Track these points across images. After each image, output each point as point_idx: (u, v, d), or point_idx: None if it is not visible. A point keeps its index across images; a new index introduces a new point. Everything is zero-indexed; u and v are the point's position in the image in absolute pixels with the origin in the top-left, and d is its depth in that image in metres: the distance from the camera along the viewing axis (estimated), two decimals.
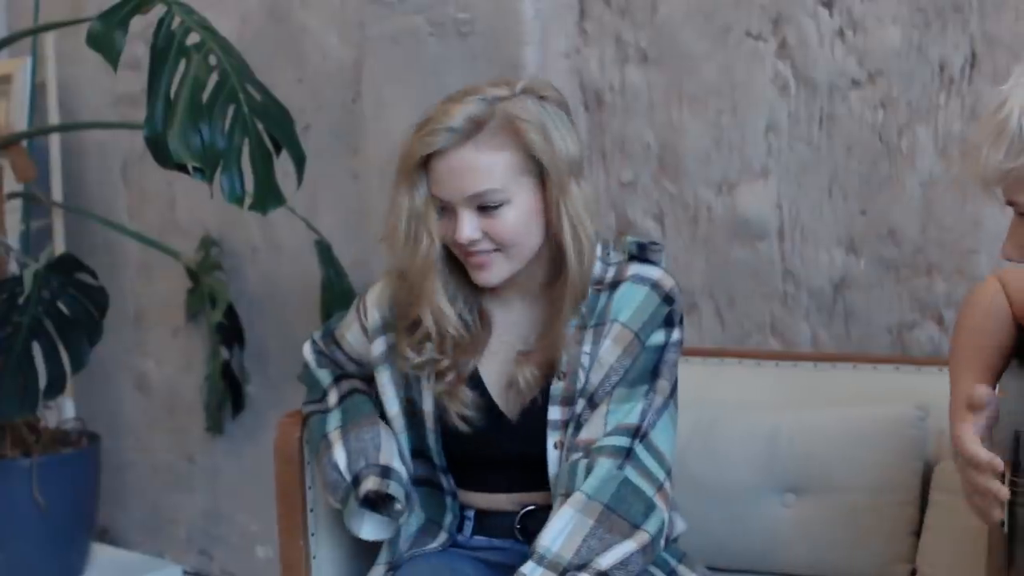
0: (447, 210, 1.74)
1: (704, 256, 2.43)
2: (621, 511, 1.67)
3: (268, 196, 2.24)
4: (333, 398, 1.91)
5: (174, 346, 3.22)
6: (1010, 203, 1.40)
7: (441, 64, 2.60)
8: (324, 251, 2.72)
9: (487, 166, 1.72)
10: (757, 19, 2.33)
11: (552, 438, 1.77)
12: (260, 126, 2.25)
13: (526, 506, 1.81)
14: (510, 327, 1.83)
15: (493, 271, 1.76)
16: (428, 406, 1.81)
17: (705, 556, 1.98)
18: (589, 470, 1.69)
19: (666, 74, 2.43)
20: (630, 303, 1.77)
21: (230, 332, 2.99)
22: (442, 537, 1.85)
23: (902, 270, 2.23)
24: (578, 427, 1.75)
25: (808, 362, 2.16)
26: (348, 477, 1.81)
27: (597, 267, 1.79)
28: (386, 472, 1.79)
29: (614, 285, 1.78)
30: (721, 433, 2.06)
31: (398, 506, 1.80)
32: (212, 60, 2.23)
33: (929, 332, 2.21)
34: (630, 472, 1.70)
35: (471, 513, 1.86)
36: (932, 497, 1.92)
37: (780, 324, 2.36)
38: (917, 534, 1.93)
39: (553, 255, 1.78)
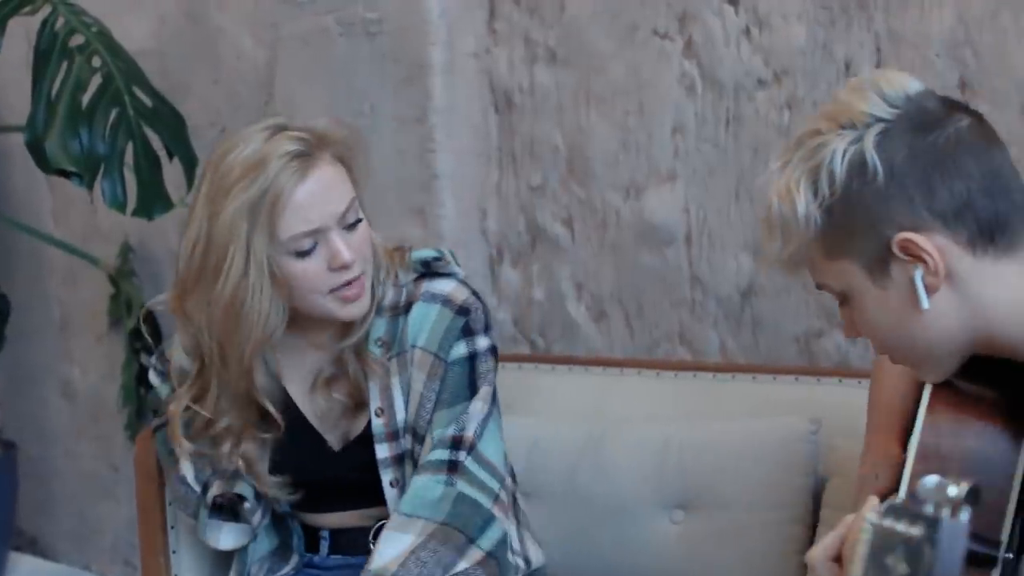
0: (305, 252, 1.62)
1: (613, 262, 2.35)
2: (459, 525, 1.63)
3: (154, 201, 2.19)
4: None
5: (99, 353, 3.16)
6: (818, 287, 1.36)
7: (350, 65, 2.53)
8: None
9: (342, 178, 1.66)
10: (664, 17, 2.25)
11: (386, 476, 1.72)
12: (147, 130, 2.19)
13: (378, 520, 1.75)
14: (314, 355, 1.75)
15: (365, 295, 1.67)
16: None
17: (590, 575, 1.91)
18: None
19: (574, 74, 2.36)
20: (424, 325, 1.70)
21: (151, 339, 2.92)
22: (294, 560, 1.79)
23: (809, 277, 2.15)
24: (415, 464, 1.70)
25: (708, 372, 2.09)
26: (197, 488, 1.75)
27: (390, 291, 1.72)
28: (234, 474, 1.73)
29: (408, 308, 1.71)
30: (612, 447, 1.99)
31: (247, 504, 1.73)
32: (96, 62, 2.17)
33: (836, 340, 2.13)
34: (463, 486, 1.65)
35: (326, 533, 1.80)
36: (823, 515, 1.85)
37: (689, 332, 2.29)
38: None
39: None
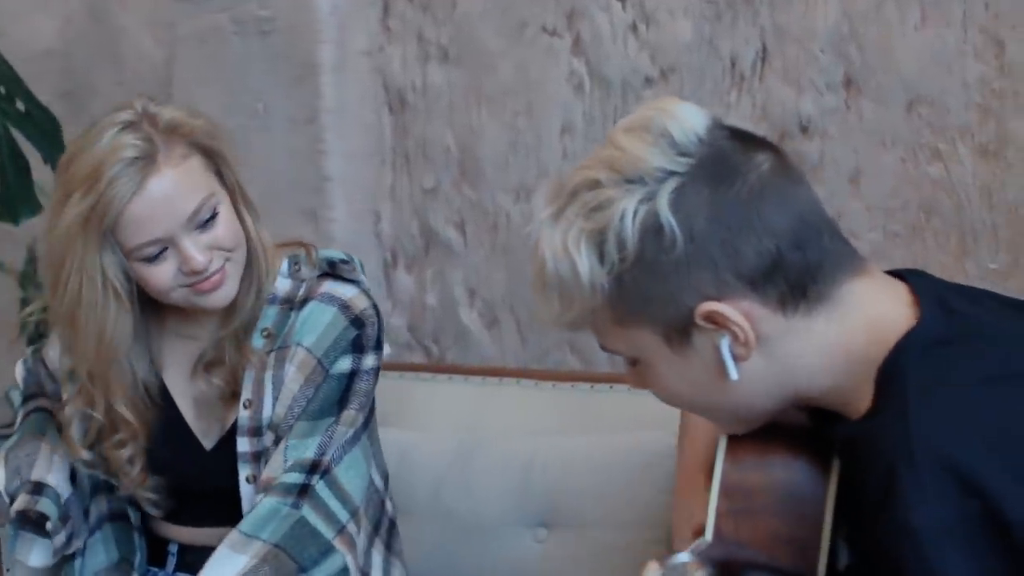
0: (153, 257, 1.56)
1: (504, 267, 2.27)
2: (293, 551, 1.54)
3: (20, 205, 2.14)
4: (19, 420, 1.78)
5: (10, 359, 3.09)
6: (603, 348, 1.24)
7: (244, 63, 2.46)
8: None
9: (193, 175, 1.57)
10: (552, 13, 2.17)
11: (243, 472, 1.64)
12: (16, 134, 2.13)
13: None
14: (196, 342, 1.69)
15: (228, 283, 1.60)
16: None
17: None
18: None
19: (466, 73, 2.28)
20: (315, 325, 1.62)
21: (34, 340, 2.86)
22: None
23: None
24: (267, 463, 1.62)
25: (586, 383, 2.00)
26: (7, 498, 1.69)
27: (287, 284, 1.66)
28: (38, 488, 1.67)
29: (303, 304, 1.64)
30: (479, 461, 1.92)
31: (48, 525, 1.66)
32: None
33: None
34: (307, 512, 1.57)
35: (174, 547, 1.74)
36: None
37: (579, 341, 2.20)
38: None
39: None
